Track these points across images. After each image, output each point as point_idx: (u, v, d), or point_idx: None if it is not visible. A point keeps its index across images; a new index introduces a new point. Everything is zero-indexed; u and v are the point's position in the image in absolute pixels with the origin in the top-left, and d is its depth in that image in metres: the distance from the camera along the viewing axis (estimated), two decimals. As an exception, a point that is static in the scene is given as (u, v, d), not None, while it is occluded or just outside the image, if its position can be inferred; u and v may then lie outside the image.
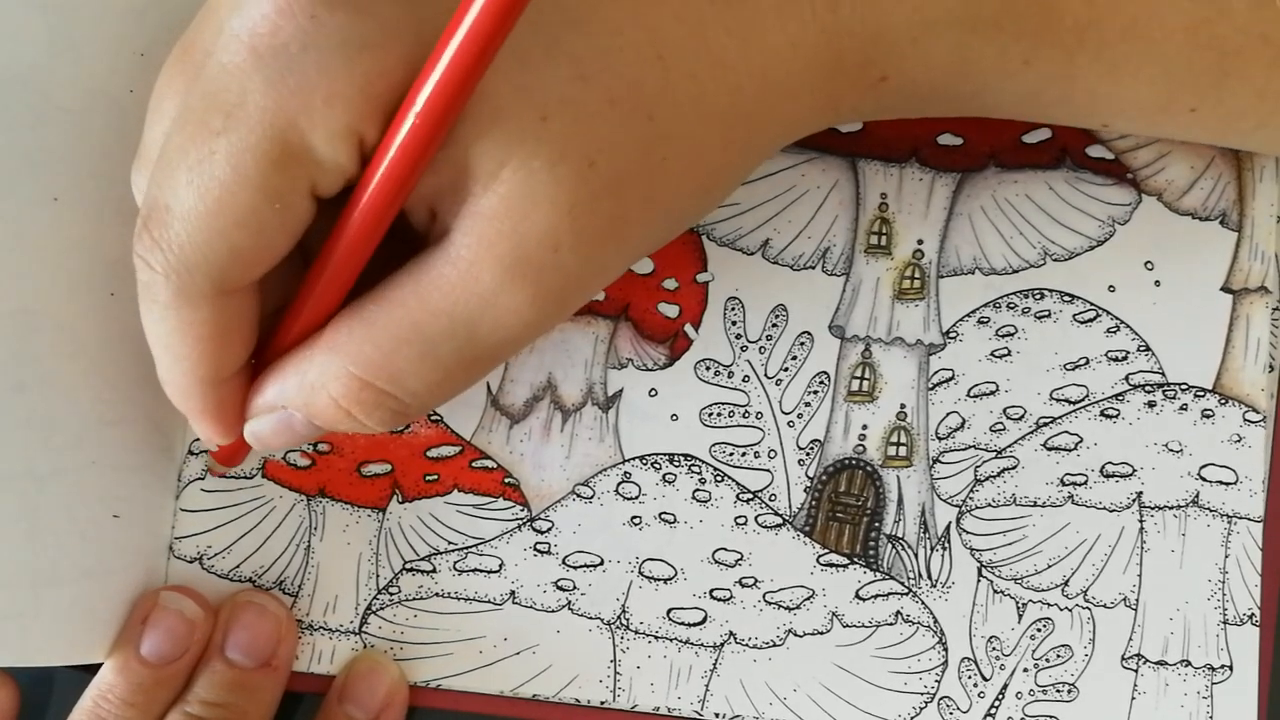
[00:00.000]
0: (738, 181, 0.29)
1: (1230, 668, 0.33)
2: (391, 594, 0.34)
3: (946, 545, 0.34)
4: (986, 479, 0.34)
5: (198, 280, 0.25)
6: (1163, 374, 0.34)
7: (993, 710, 0.34)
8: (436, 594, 0.34)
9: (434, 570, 0.34)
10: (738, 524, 0.34)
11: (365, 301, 0.26)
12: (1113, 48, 0.27)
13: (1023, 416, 0.34)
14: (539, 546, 0.34)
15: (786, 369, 0.34)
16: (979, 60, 0.27)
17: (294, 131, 0.23)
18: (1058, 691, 0.34)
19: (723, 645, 0.34)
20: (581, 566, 0.34)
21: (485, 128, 0.24)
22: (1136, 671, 0.34)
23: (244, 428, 0.28)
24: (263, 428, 0.28)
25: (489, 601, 0.34)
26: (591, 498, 0.34)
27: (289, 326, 0.27)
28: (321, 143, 0.24)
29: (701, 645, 0.34)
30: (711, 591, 0.34)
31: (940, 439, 0.34)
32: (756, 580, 0.34)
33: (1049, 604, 0.34)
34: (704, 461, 0.34)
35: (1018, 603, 0.34)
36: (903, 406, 0.34)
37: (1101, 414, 0.34)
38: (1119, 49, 0.27)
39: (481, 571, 0.34)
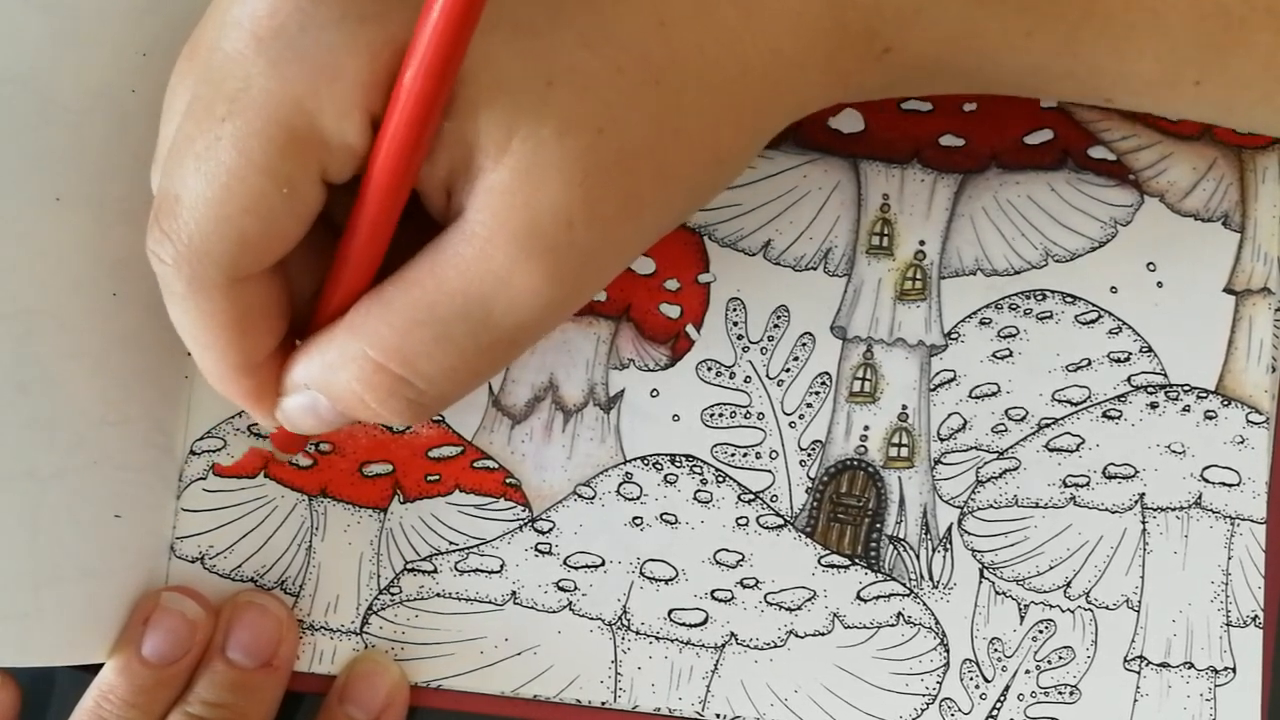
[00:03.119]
0: (749, 157, 0.28)
1: (1234, 670, 0.33)
2: (393, 594, 0.34)
3: (948, 546, 0.34)
4: (988, 480, 0.34)
5: (209, 269, 0.25)
6: (1165, 375, 0.34)
7: (994, 712, 0.34)
8: (438, 594, 0.34)
9: (435, 570, 0.34)
10: (739, 525, 0.34)
11: (385, 284, 0.26)
12: (1116, 19, 0.27)
13: (1024, 417, 0.34)
14: (540, 547, 0.34)
15: (788, 370, 0.34)
16: (982, 32, 0.27)
17: (300, 113, 0.23)
18: (1060, 693, 0.34)
19: (724, 646, 0.34)
20: (583, 567, 0.34)
21: (491, 96, 0.24)
22: (1139, 673, 0.34)
23: (276, 406, 0.28)
24: (290, 407, 0.28)
25: (490, 602, 0.34)
26: (593, 498, 0.34)
27: (322, 308, 0.27)
28: (330, 122, 0.23)
29: (702, 646, 0.34)
30: (713, 592, 0.34)
31: (942, 440, 0.34)
32: (758, 581, 0.34)
33: (1051, 605, 0.34)
34: (705, 462, 0.34)
35: (1020, 604, 0.34)
36: (904, 407, 0.34)
37: (1104, 415, 0.34)
38: (1122, 20, 0.27)
39: (483, 572, 0.34)
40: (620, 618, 0.34)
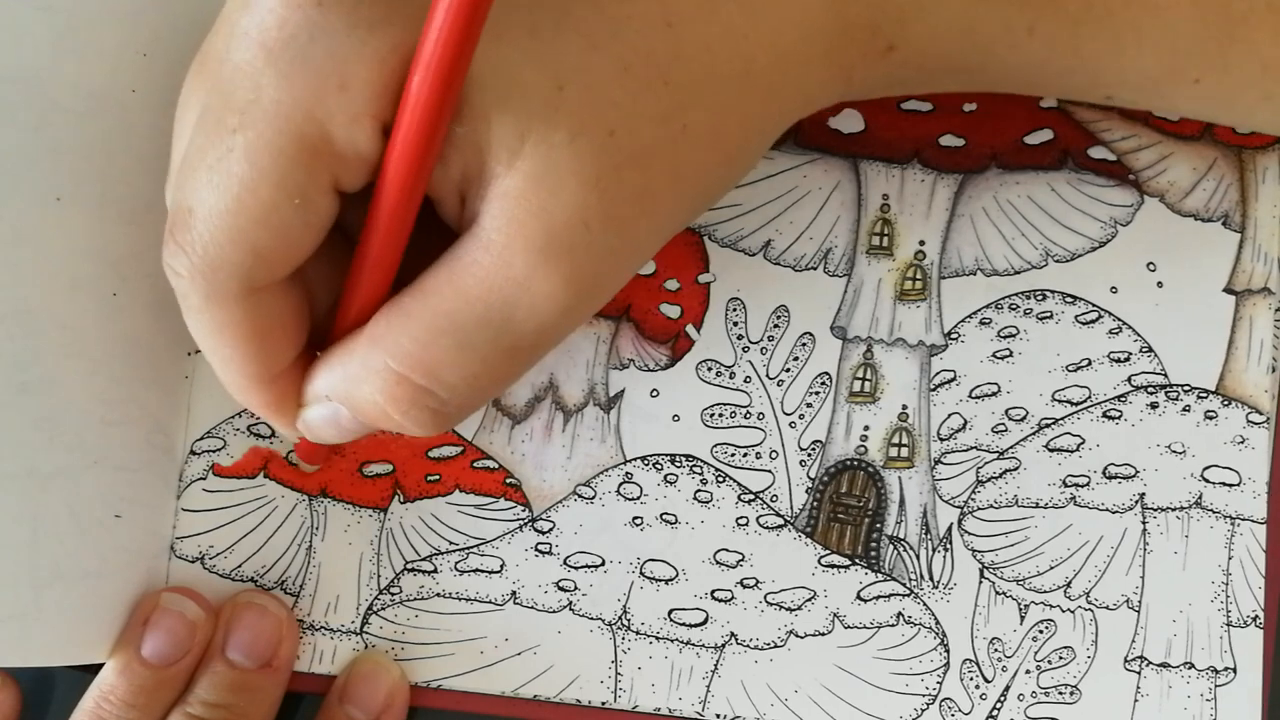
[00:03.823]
0: (757, 155, 0.28)
1: (1234, 670, 0.33)
2: (393, 594, 0.34)
3: (948, 546, 0.34)
4: (988, 480, 0.34)
5: (224, 281, 0.25)
6: (1165, 375, 0.34)
7: (995, 712, 0.34)
8: (438, 594, 0.34)
9: (435, 570, 0.34)
10: (739, 525, 0.34)
11: (404, 294, 0.26)
12: (1117, 15, 0.27)
13: (1025, 417, 0.34)
14: (540, 547, 0.34)
15: (788, 370, 0.34)
16: (984, 29, 0.27)
17: (310, 123, 0.23)
18: (1060, 693, 0.34)
19: (724, 646, 0.34)
20: (583, 567, 0.34)
21: (502, 101, 0.24)
22: (1139, 674, 0.34)
23: (297, 417, 0.28)
24: (312, 418, 0.28)
25: (490, 602, 0.34)
26: (593, 498, 0.34)
27: (340, 318, 0.27)
28: (340, 131, 0.23)
29: (703, 646, 0.34)
30: (713, 592, 0.34)
31: (942, 440, 0.34)
32: (758, 581, 0.34)
33: (1051, 605, 0.34)
34: (705, 462, 0.34)
35: (1020, 604, 0.34)
36: (904, 407, 0.34)
37: (1104, 415, 0.34)
38: (1123, 17, 0.27)
39: (483, 572, 0.34)
40: (620, 618, 0.34)
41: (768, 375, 0.34)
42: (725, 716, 0.34)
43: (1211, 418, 0.34)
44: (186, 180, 0.24)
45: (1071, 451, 0.34)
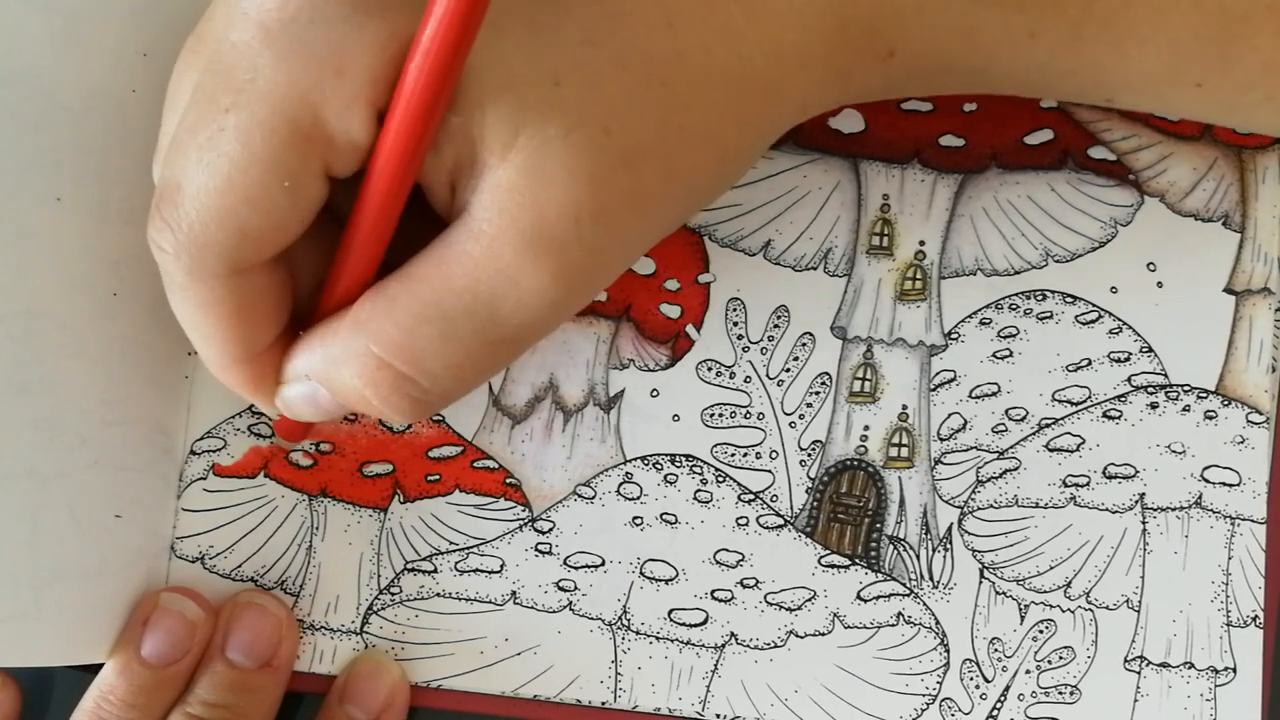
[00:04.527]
0: (754, 157, 0.29)
1: (1234, 670, 0.33)
2: (393, 594, 0.34)
3: (948, 546, 0.34)
4: (988, 480, 0.34)
5: (209, 259, 0.25)
6: (1165, 375, 0.34)
7: (995, 712, 0.34)
8: (438, 594, 0.34)
9: (435, 570, 0.34)
10: (739, 525, 0.34)
11: (390, 279, 0.26)
12: (1118, 18, 0.27)
13: (1025, 418, 0.34)
14: (540, 547, 0.34)
15: (788, 370, 0.34)
16: (984, 32, 0.27)
17: (305, 107, 0.23)
18: (1060, 693, 0.34)
19: (724, 646, 0.34)
20: (583, 567, 0.34)
21: (498, 93, 0.24)
22: (1139, 673, 0.34)
23: (275, 394, 0.28)
24: (290, 396, 0.28)
25: (490, 602, 0.34)
26: (593, 498, 0.34)
27: (325, 300, 0.27)
28: (334, 117, 0.23)
29: (703, 646, 0.34)
30: (713, 592, 0.34)
31: (942, 440, 0.34)
32: (758, 581, 0.34)
33: (1051, 605, 0.34)
34: (705, 462, 0.34)
35: (1020, 604, 0.34)
36: (904, 407, 0.34)
37: (1104, 415, 0.34)
38: (1125, 19, 0.27)
39: (483, 572, 0.34)
40: (620, 618, 0.34)
41: (768, 375, 0.34)
42: (725, 716, 0.34)
43: (1211, 418, 0.34)
44: (177, 156, 0.24)
45: (1071, 451, 0.34)
